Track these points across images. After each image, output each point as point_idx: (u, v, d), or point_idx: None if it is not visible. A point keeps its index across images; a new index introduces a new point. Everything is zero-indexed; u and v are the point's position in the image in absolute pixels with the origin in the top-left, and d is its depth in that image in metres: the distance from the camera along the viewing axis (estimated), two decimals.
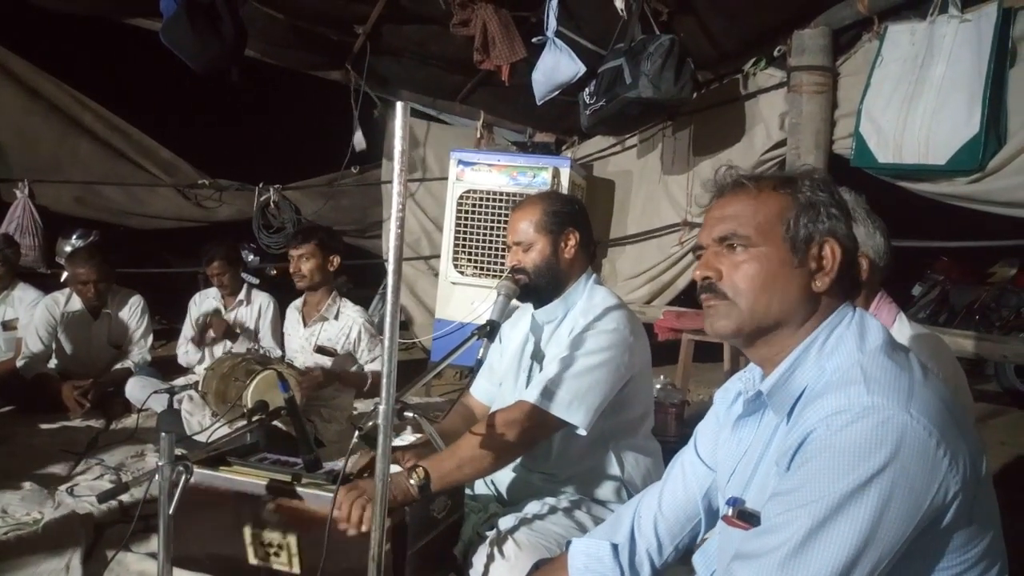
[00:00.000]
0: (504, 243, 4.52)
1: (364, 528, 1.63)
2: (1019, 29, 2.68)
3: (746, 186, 1.24)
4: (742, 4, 3.77)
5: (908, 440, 1.00)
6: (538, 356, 2.10)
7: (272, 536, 1.83)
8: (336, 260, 3.55)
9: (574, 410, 1.86)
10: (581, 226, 2.10)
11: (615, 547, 1.46)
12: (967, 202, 2.92)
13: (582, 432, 1.88)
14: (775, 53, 3.89)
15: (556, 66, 4.16)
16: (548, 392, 1.86)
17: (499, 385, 2.23)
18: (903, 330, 1.90)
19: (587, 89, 4.14)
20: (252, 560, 1.86)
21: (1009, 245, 4.88)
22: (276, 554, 1.84)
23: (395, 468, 1.81)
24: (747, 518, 1.18)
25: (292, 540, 1.81)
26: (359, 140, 5.79)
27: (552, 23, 4.04)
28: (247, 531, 1.85)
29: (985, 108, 2.66)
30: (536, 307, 2.12)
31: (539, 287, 2.06)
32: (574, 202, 2.20)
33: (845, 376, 1.10)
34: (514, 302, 2.08)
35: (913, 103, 2.89)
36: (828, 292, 1.19)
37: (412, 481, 1.73)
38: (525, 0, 4.16)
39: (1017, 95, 2.67)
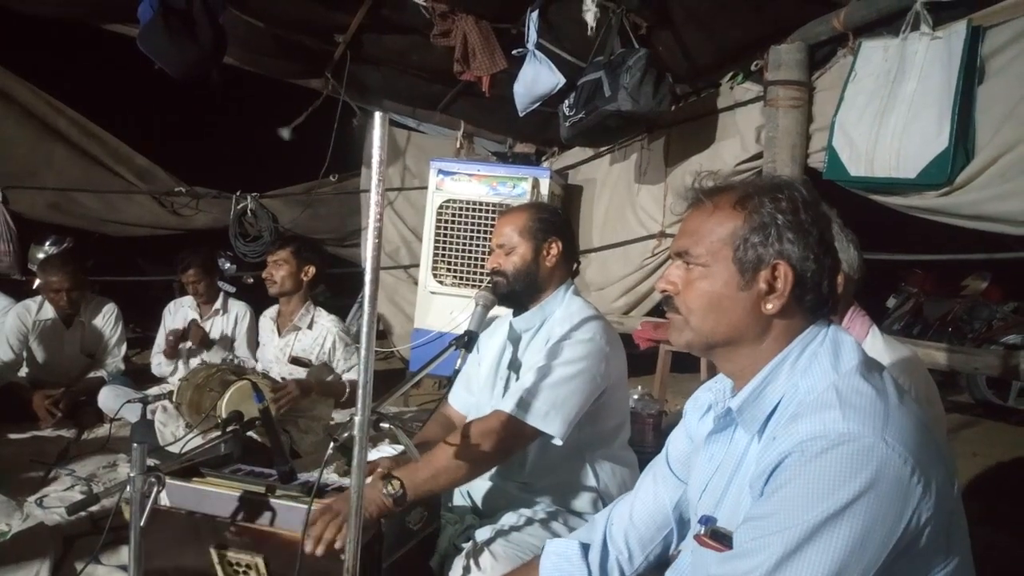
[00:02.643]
0: (484, 253, 4.52)
1: (338, 546, 1.59)
2: (987, 47, 2.73)
3: (705, 202, 1.24)
4: (719, 19, 3.81)
5: (883, 469, 1.00)
6: (515, 365, 2.10)
7: (240, 557, 1.79)
8: (311, 271, 3.53)
9: (550, 420, 1.86)
10: (565, 237, 2.12)
11: (585, 547, 1.46)
12: (937, 215, 2.96)
13: (558, 442, 1.89)
14: (752, 67, 3.94)
15: (536, 78, 4.19)
16: (524, 402, 1.86)
17: (478, 396, 2.23)
18: (876, 343, 1.92)
19: (567, 101, 4.17)
20: None
21: (980, 258, 4.97)
22: (245, 574, 1.81)
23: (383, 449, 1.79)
24: (719, 538, 1.17)
25: (259, 561, 1.76)
26: (286, 133, 5.76)
27: (532, 35, 4.07)
28: (213, 552, 1.81)
29: (954, 123, 2.70)
30: (514, 315, 2.13)
31: (517, 291, 2.07)
32: (560, 214, 2.24)
33: (820, 399, 1.09)
34: (492, 311, 2.09)
35: (885, 118, 2.94)
36: (783, 314, 1.18)
37: (387, 492, 1.71)
38: (506, 12, 4.18)
39: (985, 111, 2.71)
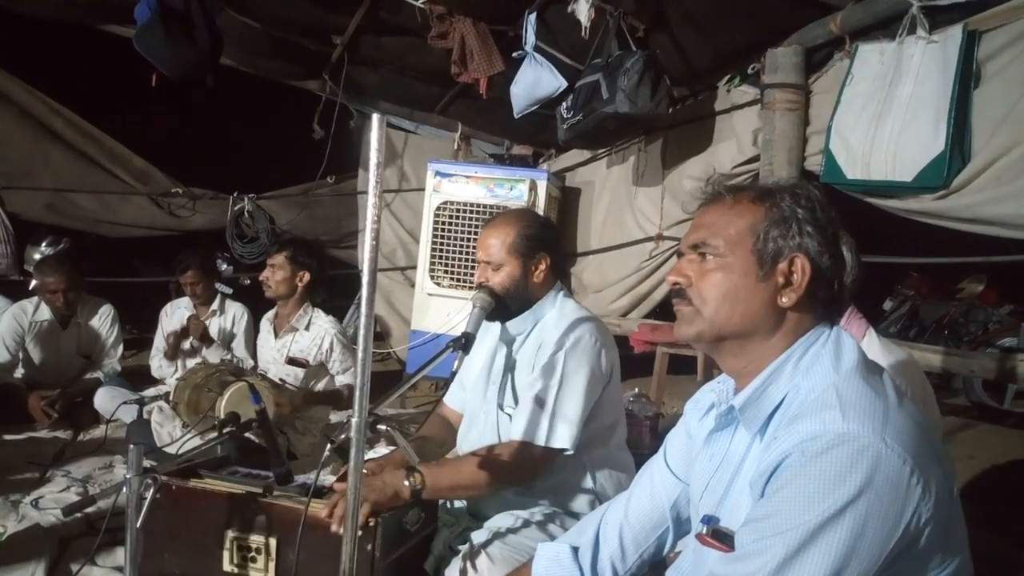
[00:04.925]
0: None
1: (361, 520, 1.64)
2: (983, 51, 2.74)
3: (725, 197, 1.26)
4: (717, 22, 3.82)
5: (882, 469, 1.00)
6: (509, 367, 2.10)
7: (253, 539, 1.82)
8: (305, 277, 3.53)
9: (568, 436, 1.91)
10: (553, 250, 2.10)
11: (575, 549, 1.47)
12: (933, 218, 2.97)
13: (569, 452, 1.92)
14: (749, 71, 3.94)
15: (537, 80, 4.19)
16: (552, 429, 1.90)
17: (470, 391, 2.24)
18: (872, 345, 1.93)
19: (564, 103, 4.17)
20: (227, 567, 1.84)
21: (976, 261, 4.98)
22: (253, 559, 1.82)
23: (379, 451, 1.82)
24: (721, 538, 1.18)
25: (272, 543, 1.81)
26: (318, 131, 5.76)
27: (530, 38, 4.07)
28: (229, 535, 1.83)
29: (950, 127, 2.71)
30: (503, 321, 2.12)
31: (509, 307, 2.06)
32: (548, 226, 2.20)
33: (820, 399, 1.09)
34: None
35: (881, 121, 2.95)
36: (797, 308, 1.19)
37: (407, 483, 1.74)
38: (503, 14, 4.18)
39: (981, 115, 2.73)
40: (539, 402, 1.90)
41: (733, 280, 1.20)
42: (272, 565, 1.80)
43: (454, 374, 1.90)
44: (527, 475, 1.93)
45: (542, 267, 2.06)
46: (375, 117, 1.31)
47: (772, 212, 1.20)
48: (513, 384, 2.06)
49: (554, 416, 1.89)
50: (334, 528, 1.65)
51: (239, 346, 4.38)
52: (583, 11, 3.68)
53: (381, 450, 2.41)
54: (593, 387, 1.96)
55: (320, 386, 3.63)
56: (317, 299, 3.68)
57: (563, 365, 1.93)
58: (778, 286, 1.19)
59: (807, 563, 1.01)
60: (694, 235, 1.26)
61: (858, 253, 1.92)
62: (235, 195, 6.18)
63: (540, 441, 1.88)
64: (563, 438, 1.89)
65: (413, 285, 5.51)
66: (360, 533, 1.59)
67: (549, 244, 2.09)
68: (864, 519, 1.00)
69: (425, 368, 1.91)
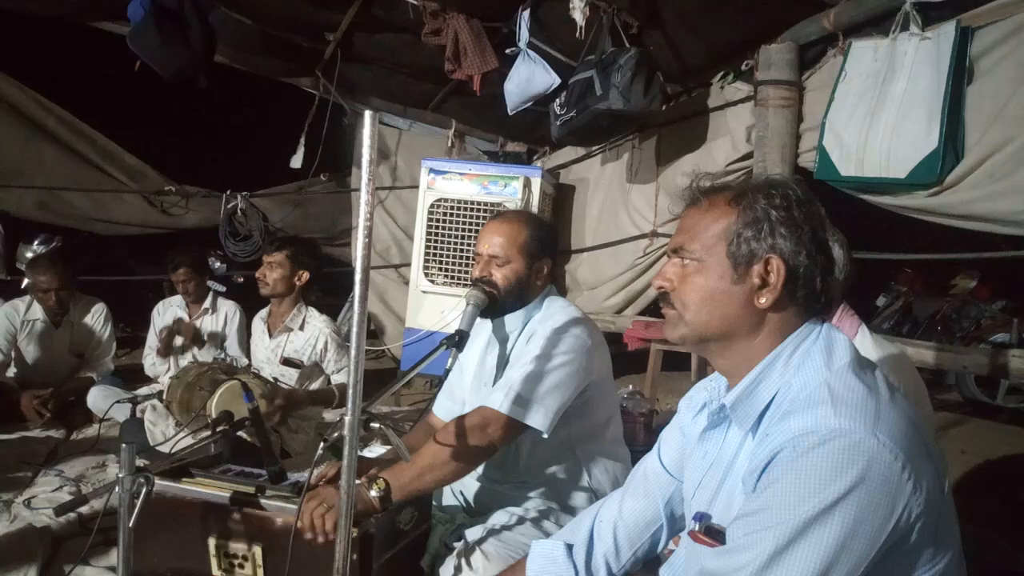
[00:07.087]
0: (475, 252, 4.52)
1: (329, 529, 1.63)
2: (976, 47, 2.75)
3: (700, 200, 1.26)
4: (710, 19, 3.82)
5: (874, 464, 1.01)
6: (500, 365, 2.10)
7: (237, 547, 1.80)
8: (304, 277, 3.51)
9: (534, 413, 1.86)
10: (554, 255, 2.14)
11: (569, 547, 1.47)
12: (926, 215, 2.98)
13: (544, 435, 1.89)
14: (743, 67, 3.95)
15: (531, 77, 4.19)
16: (509, 397, 1.86)
17: (462, 404, 2.22)
18: (865, 342, 1.93)
19: (558, 100, 4.17)
20: (216, 572, 1.84)
21: (969, 257, 5.00)
22: (240, 566, 1.81)
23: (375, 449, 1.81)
24: (714, 535, 1.18)
25: (257, 551, 1.79)
26: (297, 158, 5.78)
27: (524, 34, 4.07)
28: (211, 542, 1.82)
29: (943, 124, 2.72)
30: (495, 319, 2.13)
31: (503, 304, 2.06)
32: (553, 232, 2.24)
33: (812, 395, 1.10)
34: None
35: (875, 118, 2.95)
36: (777, 308, 1.19)
37: (372, 492, 1.72)
38: (497, 11, 4.17)
39: (974, 111, 2.73)
40: (522, 379, 1.88)
41: (710, 284, 1.21)
42: (260, 572, 1.79)
43: (447, 372, 1.90)
44: (496, 442, 1.87)
45: (544, 271, 2.10)
46: (367, 113, 1.31)
47: (745, 214, 1.20)
48: None
49: (536, 396, 1.87)
50: (320, 539, 1.65)
51: (232, 344, 4.37)
52: (578, 8, 3.68)
53: (377, 448, 2.41)
54: (577, 381, 1.95)
55: (314, 386, 3.61)
56: (311, 297, 3.67)
57: (549, 354, 1.93)
58: (754, 288, 1.19)
59: (797, 557, 1.01)
60: (675, 239, 1.28)
61: (850, 250, 1.93)
62: (228, 193, 6.15)
63: (517, 415, 1.85)
64: (540, 420, 1.86)
65: (407, 283, 5.50)
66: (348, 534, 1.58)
67: (552, 248, 2.14)
68: (855, 515, 1.00)
69: (419, 366, 1.90)
